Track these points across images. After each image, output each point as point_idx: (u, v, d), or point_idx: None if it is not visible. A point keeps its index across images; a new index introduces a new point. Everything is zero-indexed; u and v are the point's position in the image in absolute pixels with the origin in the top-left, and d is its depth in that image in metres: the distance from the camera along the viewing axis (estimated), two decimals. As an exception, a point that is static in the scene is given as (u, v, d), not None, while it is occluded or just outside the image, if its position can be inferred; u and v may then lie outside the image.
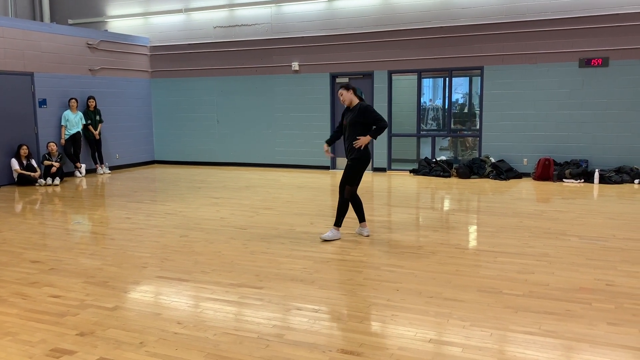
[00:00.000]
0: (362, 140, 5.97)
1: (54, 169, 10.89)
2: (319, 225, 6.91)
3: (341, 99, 6.14)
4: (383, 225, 6.94)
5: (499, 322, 3.84)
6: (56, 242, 6.41)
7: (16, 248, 6.08)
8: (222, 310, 4.16)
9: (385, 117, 11.95)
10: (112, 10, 14.42)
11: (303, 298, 4.38)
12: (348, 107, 6.18)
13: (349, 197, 6.13)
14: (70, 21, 14.64)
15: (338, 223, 6.17)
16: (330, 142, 6.37)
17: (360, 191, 9.08)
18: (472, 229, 6.90)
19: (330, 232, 6.17)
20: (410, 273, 4.97)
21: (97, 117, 12.37)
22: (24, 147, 10.73)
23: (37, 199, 9.48)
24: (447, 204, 8.81)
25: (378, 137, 6.13)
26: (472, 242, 6.22)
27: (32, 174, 10.73)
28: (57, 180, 10.87)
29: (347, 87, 6.14)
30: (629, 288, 4.49)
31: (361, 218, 6.37)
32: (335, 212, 6.24)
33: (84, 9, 14.70)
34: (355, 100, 6.14)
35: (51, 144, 11.14)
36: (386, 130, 11.94)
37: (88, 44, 12.48)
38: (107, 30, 13.85)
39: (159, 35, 14.02)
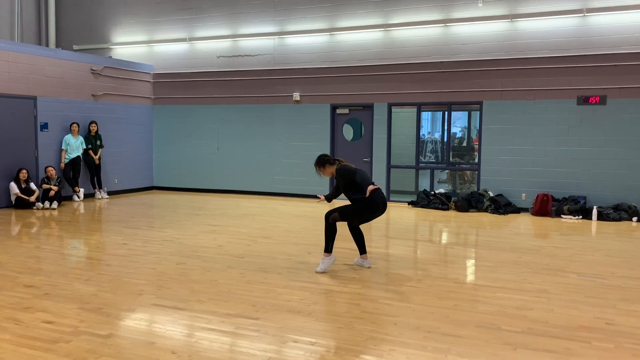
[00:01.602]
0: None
1: (52, 193, 10.87)
2: (317, 255, 6.87)
3: (323, 174, 6.18)
4: (381, 257, 6.91)
5: (497, 359, 3.79)
6: (51, 267, 6.36)
7: (11, 272, 6.02)
8: (217, 341, 4.11)
9: (385, 149, 12.09)
10: (117, 37, 14.62)
11: (300, 330, 4.33)
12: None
13: (333, 223, 6.01)
14: (75, 47, 14.83)
15: (328, 249, 6.06)
16: (328, 199, 6.39)
17: (359, 222, 9.06)
18: (471, 263, 6.86)
19: (322, 263, 6.08)
20: (409, 307, 4.92)
21: (98, 142, 12.42)
22: (24, 170, 10.73)
23: (34, 222, 9.44)
24: (445, 238, 8.79)
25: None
26: (471, 277, 6.19)
27: (30, 198, 10.70)
28: (54, 204, 10.84)
29: (319, 164, 6.14)
30: (628, 327, 4.45)
31: (362, 250, 6.33)
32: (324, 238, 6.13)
33: (90, 35, 14.91)
34: (334, 167, 6.11)
35: (49, 168, 11.14)
36: (385, 162, 12.12)
37: (92, 69, 12.62)
38: (111, 57, 14.02)
39: (162, 63, 14.19)
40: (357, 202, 5.99)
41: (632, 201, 10.23)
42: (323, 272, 6.03)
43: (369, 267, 6.28)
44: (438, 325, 4.44)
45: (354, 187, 5.98)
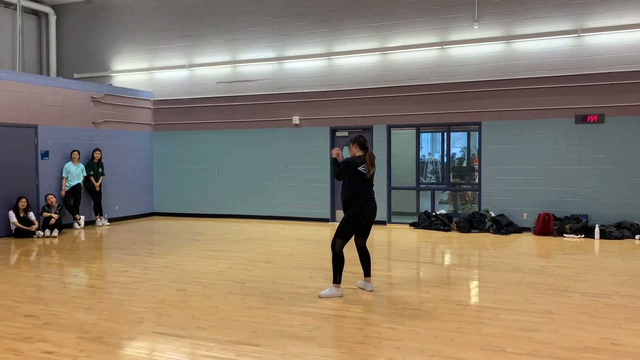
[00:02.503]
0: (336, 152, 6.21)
1: (52, 221, 10.85)
2: (318, 279, 6.83)
3: (350, 153, 6.23)
4: (383, 280, 6.86)
5: (503, 383, 3.73)
6: (52, 296, 6.31)
7: (10, 302, 5.98)
8: (218, 369, 4.05)
9: (385, 171, 12.09)
10: (118, 65, 14.77)
11: (302, 356, 4.28)
12: None
13: (340, 251, 5.96)
14: (76, 75, 14.97)
15: (336, 279, 6.01)
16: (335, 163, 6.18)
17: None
18: (474, 284, 6.81)
19: (328, 290, 6.03)
20: (412, 330, 4.87)
21: (100, 169, 12.44)
22: (23, 199, 10.72)
23: (34, 250, 9.41)
24: (447, 259, 8.74)
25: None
26: (474, 298, 6.14)
27: (29, 227, 10.66)
28: (55, 232, 10.81)
29: (352, 140, 6.19)
30: (635, 347, 4.39)
31: (366, 272, 6.27)
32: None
33: (90, 63, 15.07)
34: (360, 152, 6.11)
35: (50, 196, 11.14)
36: (385, 183, 12.13)
37: (92, 97, 12.71)
38: (111, 85, 14.14)
39: (162, 90, 14.30)
40: (345, 212, 6.02)
41: (635, 218, 10.19)
42: (326, 297, 5.96)
43: (370, 291, 6.23)
44: (442, 349, 4.39)
45: (346, 179, 6.02)
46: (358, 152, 6.09)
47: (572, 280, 6.75)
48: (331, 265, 6.09)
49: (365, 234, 6.22)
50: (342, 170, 6.02)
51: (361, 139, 6.14)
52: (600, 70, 10.44)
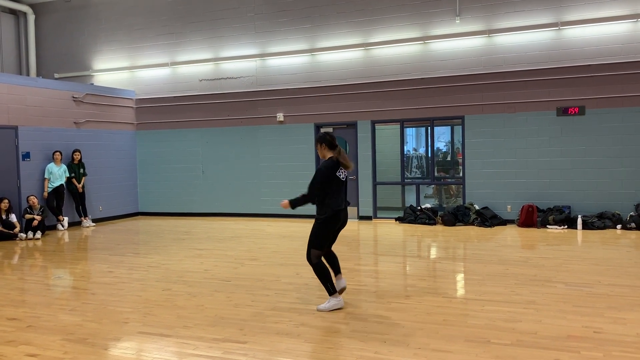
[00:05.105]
0: (283, 203, 5.63)
1: (35, 222, 10.72)
2: (304, 275, 6.83)
3: (320, 156, 5.61)
4: (370, 274, 6.88)
5: (488, 374, 3.77)
6: (35, 298, 6.24)
7: (-7, 305, 5.90)
8: (205, 367, 4.04)
9: (370, 166, 12.12)
10: (99, 64, 14.61)
11: (289, 352, 4.28)
12: None
13: (316, 261, 5.35)
14: (56, 75, 14.79)
15: (329, 291, 5.36)
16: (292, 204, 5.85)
17: (346, 240, 9.07)
18: (459, 277, 6.87)
19: (327, 302, 5.38)
20: (398, 324, 4.89)
21: (82, 170, 12.30)
22: (5, 200, 10.57)
23: (17, 253, 9.29)
24: (433, 252, 8.79)
25: (303, 203, 5.71)
26: (460, 291, 6.19)
27: (11, 231, 10.51)
28: (38, 234, 10.69)
29: (318, 139, 5.54)
30: (616, 335, 4.46)
31: (336, 270, 5.62)
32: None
33: (71, 63, 14.88)
34: (328, 155, 5.46)
35: (31, 197, 11.00)
36: (371, 179, 12.16)
37: (73, 97, 12.56)
38: (93, 84, 13.98)
39: (144, 88, 14.18)
40: (316, 221, 5.54)
41: (616, 209, 10.33)
42: (327, 310, 5.34)
43: (344, 287, 5.64)
44: (428, 342, 4.42)
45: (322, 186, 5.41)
46: (328, 153, 5.45)
47: (555, 270, 6.83)
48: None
49: (334, 240, 5.67)
50: (319, 182, 5.41)
51: (327, 136, 5.47)
52: (580, 62, 10.56)
